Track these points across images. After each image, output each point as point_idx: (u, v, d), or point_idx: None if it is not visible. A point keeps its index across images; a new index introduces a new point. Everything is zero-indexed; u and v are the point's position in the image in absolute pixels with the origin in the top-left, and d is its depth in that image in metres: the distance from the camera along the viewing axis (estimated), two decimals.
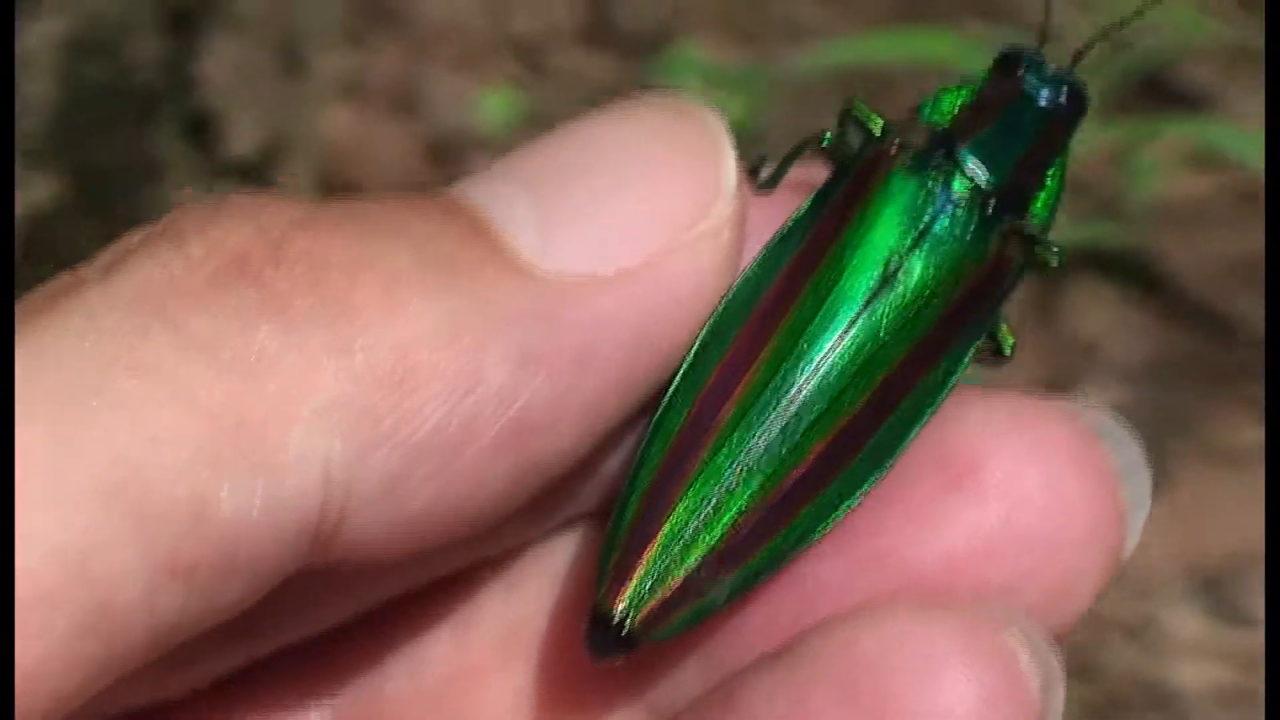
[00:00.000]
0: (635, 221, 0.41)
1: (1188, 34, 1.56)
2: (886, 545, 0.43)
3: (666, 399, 0.43)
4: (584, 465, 0.42)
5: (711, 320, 0.42)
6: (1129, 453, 0.44)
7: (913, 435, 0.43)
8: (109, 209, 1.55)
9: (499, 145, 1.63)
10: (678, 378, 0.43)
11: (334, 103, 1.66)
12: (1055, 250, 0.45)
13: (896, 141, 0.45)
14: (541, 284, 0.40)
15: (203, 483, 0.36)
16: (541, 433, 0.39)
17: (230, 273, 0.37)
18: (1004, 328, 0.45)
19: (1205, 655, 1.31)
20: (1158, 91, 1.57)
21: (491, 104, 1.64)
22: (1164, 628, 1.32)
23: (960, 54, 1.56)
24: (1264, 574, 1.34)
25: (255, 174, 1.59)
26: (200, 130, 1.63)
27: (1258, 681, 1.30)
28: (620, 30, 1.71)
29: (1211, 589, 1.35)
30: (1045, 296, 1.53)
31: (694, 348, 0.42)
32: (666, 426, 0.43)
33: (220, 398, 0.36)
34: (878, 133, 0.45)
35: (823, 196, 0.45)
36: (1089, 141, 1.44)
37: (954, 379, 0.44)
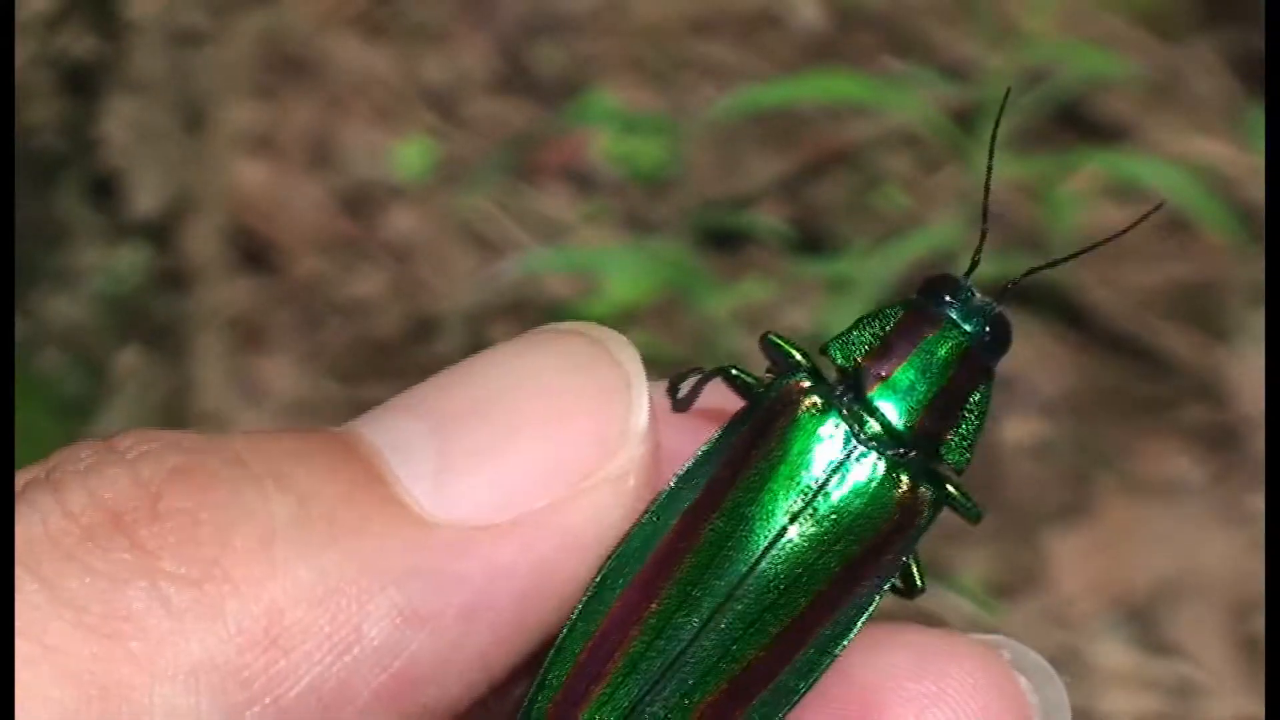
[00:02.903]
0: (537, 467, 0.40)
1: (1104, 67, 1.56)
2: None
3: (558, 642, 0.41)
4: (480, 702, 0.41)
5: (610, 560, 0.41)
6: (1051, 691, 0.43)
7: (812, 682, 0.42)
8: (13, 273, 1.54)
9: (415, 195, 1.62)
10: (572, 618, 0.41)
11: (244, 157, 1.64)
12: (971, 509, 0.44)
13: (805, 382, 0.44)
14: (433, 535, 0.39)
15: None
16: (426, 686, 0.39)
17: (104, 530, 0.38)
18: (914, 568, 0.44)
19: (1131, 685, 1.32)
20: (1075, 124, 1.57)
21: (406, 154, 1.64)
22: (1090, 658, 1.33)
23: (876, 94, 1.56)
24: (1194, 603, 1.34)
25: (161, 233, 1.58)
26: (103, 191, 1.61)
27: (1183, 709, 1.31)
28: (534, 77, 1.70)
29: (1136, 619, 1.35)
30: None
31: (590, 589, 0.41)
32: (555, 672, 0.41)
33: (87, 659, 0.36)
34: (794, 364, 0.44)
35: (730, 432, 0.43)
36: (1007, 174, 1.45)
37: (860, 622, 0.43)
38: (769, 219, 1.55)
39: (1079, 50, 1.57)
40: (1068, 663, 1.32)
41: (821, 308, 1.42)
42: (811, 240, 1.53)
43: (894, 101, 1.54)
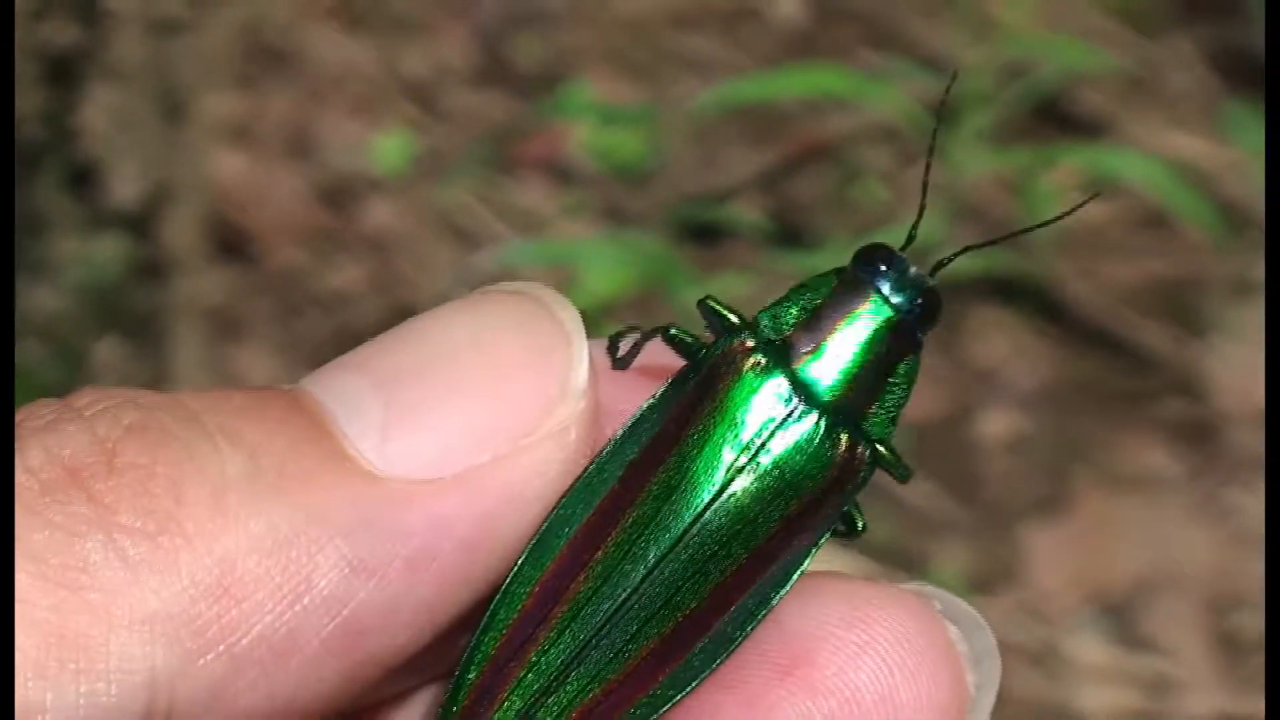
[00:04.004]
0: (479, 423, 0.41)
1: (1083, 61, 1.57)
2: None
3: (503, 588, 0.42)
4: (428, 649, 0.42)
5: (555, 510, 0.42)
6: (980, 638, 0.44)
7: (748, 631, 0.43)
8: None
9: (394, 187, 1.62)
10: (518, 565, 0.42)
11: (223, 148, 1.64)
12: (901, 469, 0.45)
13: (746, 343, 0.44)
14: (380, 488, 0.40)
15: (28, 691, 0.37)
16: (373, 635, 0.40)
17: (62, 484, 0.39)
18: (855, 512, 0.45)
19: (1108, 680, 1.32)
20: (1053, 119, 1.58)
21: (385, 146, 1.63)
22: (1066, 653, 1.33)
23: (855, 87, 1.56)
24: (1170, 598, 1.34)
25: (139, 223, 1.58)
26: (83, 181, 1.61)
27: (1160, 704, 1.31)
28: (513, 70, 1.70)
29: (1113, 614, 1.35)
30: (944, 325, 1.53)
31: (535, 538, 0.42)
32: (501, 616, 0.43)
33: (46, 609, 0.38)
34: (732, 327, 0.45)
35: (672, 391, 0.44)
36: (986, 168, 1.45)
37: (797, 574, 0.44)
38: (748, 212, 1.56)
39: (1058, 44, 1.57)
40: (1045, 657, 1.33)
41: None
42: (790, 233, 1.54)
43: (873, 95, 1.54)
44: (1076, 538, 1.37)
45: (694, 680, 0.43)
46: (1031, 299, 1.47)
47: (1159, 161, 1.49)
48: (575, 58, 1.70)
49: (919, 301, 0.45)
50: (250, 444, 0.40)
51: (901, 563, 1.29)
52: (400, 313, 1.54)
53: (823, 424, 0.44)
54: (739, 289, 1.45)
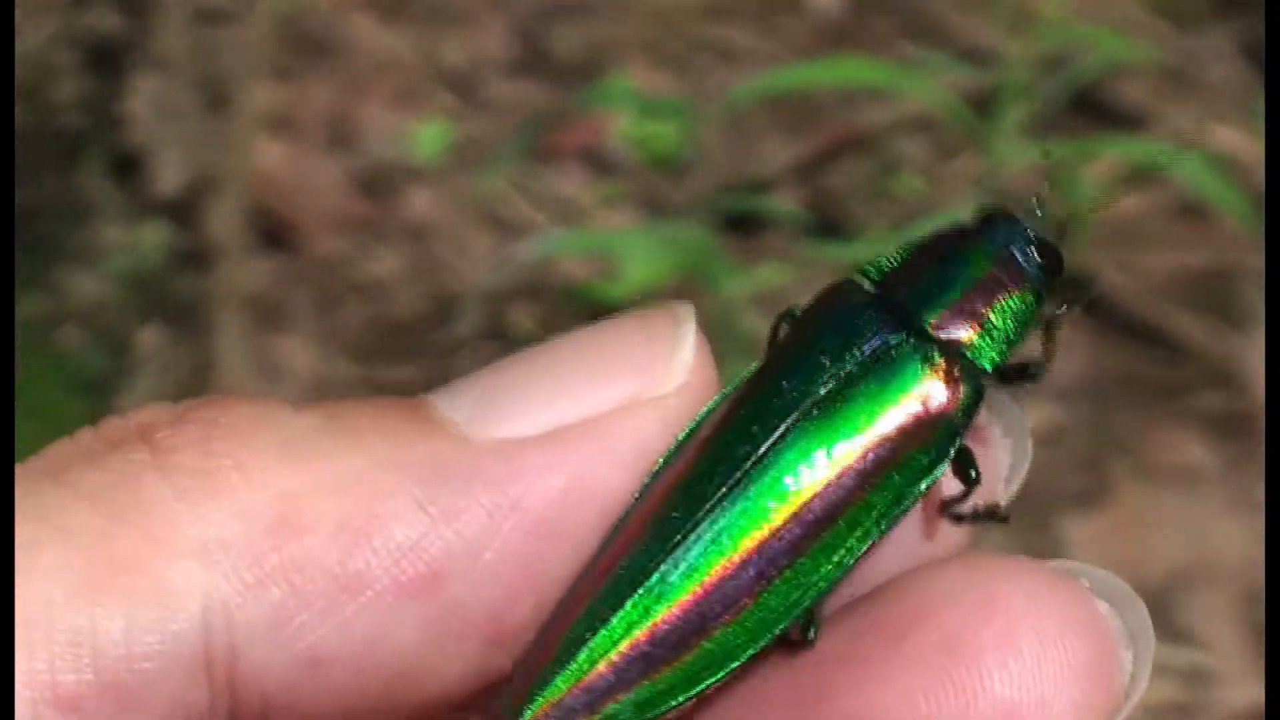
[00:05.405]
0: (573, 388, 0.41)
1: (1121, 53, 1.56)
2: (855, 703, 0.41)
3: (609, 534, 0.42)
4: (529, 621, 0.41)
5: (657, 468, 0.42)
6: (1133, 615, 0.43)
7: (863, 551, 0.42)
8: (37, 250, 1.54)
9: (433, 176, 1.62)
10: (622, 517, 0.42)
11: (264, 138, 1.65)
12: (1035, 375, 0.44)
13: (842, 282, 0.45)
14: (463, 443, 0.40)
15: (81, 613, 0.37)
16: (454, 581, 0.40)
17: (131, 439, 0.39)
18: (964, 457, 0.43)
19: None
20: (1092, 111, 1.57)
21: (425, 136, 1.64)
22: None
23: (892, 78, 1.56)
24: (1207, 590, 1.34)
25: (182, 212, 1.58)
26: (126, 169, 1.61)
27: (1197, 696, 1.31)
28: (552, 60, 1.71)
29: (1150, 606, 1.35)
30: None
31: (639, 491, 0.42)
32: (599, 559, 0.42)
33: (100, 537, 0.38)
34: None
35: (777, 344, 0.45)
36: (1025, 161, 1.45)
37: (902, 508, 0.42)
38: (786, 203, 1.56)
39: (1096, 36, 1.57)
40: None
41: None
42: (828, 224, 1.54)
43: (911, 86, 1.54)
44: (1114, 530, 1.37)
45: (785, 613, 0.42)
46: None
47: (1197, 153, 1.49)
48: (613, 48, 1.70)
49: (1033, 247, 0.45)
50: (330, 409, 0.40)
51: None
52: (439, 302, 1.55)
53: (913, 344, 0.43)
54: (777, 279, 1.45)
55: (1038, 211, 0.46)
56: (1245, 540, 1.36)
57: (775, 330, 0.46)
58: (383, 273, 1.57)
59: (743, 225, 1.55)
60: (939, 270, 0.44)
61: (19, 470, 0.39)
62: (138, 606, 0.37)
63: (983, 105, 1.47)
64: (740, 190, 1.57)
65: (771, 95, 1.59)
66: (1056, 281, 0.45)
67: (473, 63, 1.71)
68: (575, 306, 1.52)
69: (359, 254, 1.58)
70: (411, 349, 1.51)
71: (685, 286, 1.48)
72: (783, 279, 1.46)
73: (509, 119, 1.65)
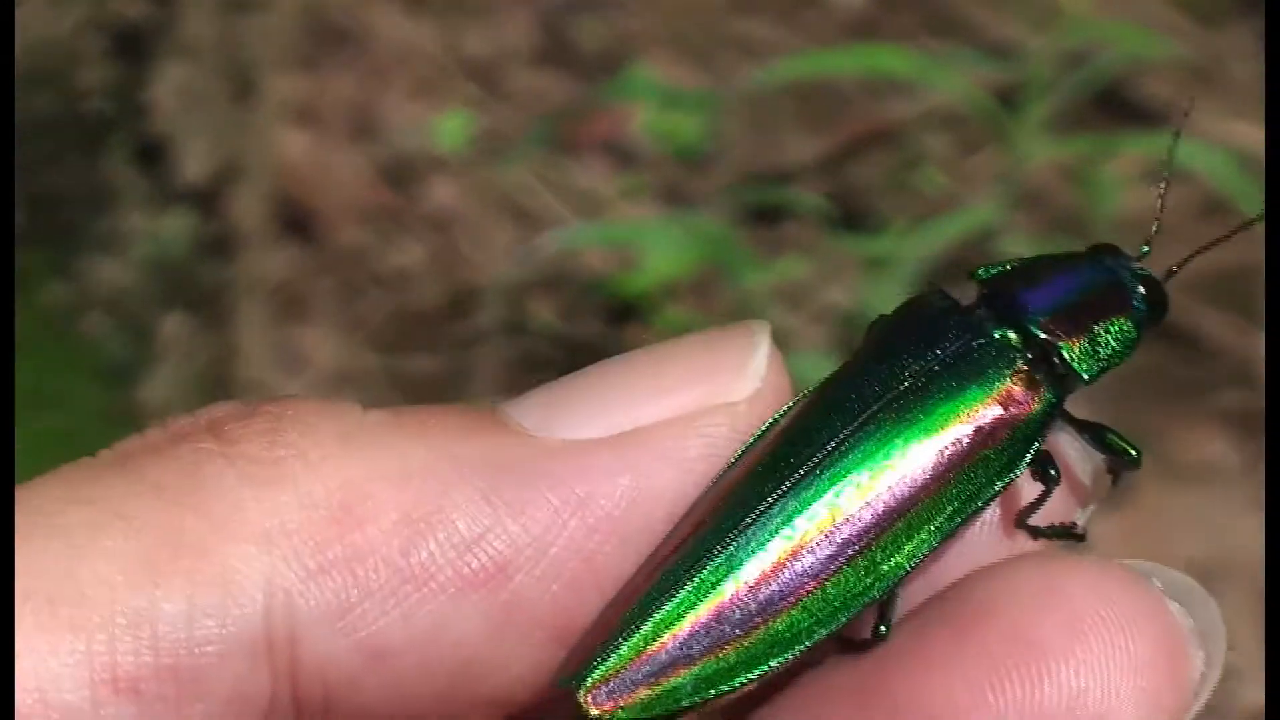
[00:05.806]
0: (643, 395, 0.42)
1: (1144, 49, 1.56)
2: (920, 694, 0.41)
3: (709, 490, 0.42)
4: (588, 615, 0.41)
5: (730, 466, 0.42)
6: (1205, 613, 0.42)
7: (953, 530, 0.42)
8: (61, 237, 1.55)
9: (455, 167, 1.62)
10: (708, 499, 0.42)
11: (288, 127, 1.65)
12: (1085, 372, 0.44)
13: (926, 291, 0.45)
14: (530, 440, 0.41)
15: (142, 594, 0.37)
16: (520, 574, 0.40)
17: (197, 432, 0.40)
18: (1048, 460, 0.44)
19: None
20: (1116, 107, 1.57)
21: (447, 127, 1.64)
22: None
23: (915, 69, 1.56)
24: (1227, 588, 1.34)
25: (207, 200, 1.59)
26: (151, 157, 1.62)
27: (1216, 694, 1.31)
28: (575, 51, 1.71)
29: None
30: None
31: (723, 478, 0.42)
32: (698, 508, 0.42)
33: (161, 521, 0.38)
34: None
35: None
36: (1048, 157, 1.45)
37: (982, 502, 0.43)
38: (808, 196, 1.56)
39: (1119, 32, 1.57)
40: None
41: (860, 285, 1.42)
42: (851, 218, 1.54)
43: (935, 79, 1.54)
44: (1135, 527, 1.37)
45: (857, 599, 0.42)
46: None
47: (1220, 150, 1.49)
48: (636, 40, 1.70)
49: (1139, 283, 0.46)
50: (400, 409, 0.41)
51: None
52: (460, 293, 1.55)
53: (1002, 354, 0.44)
54: (799, 272, 1.45)
55: (1145, 250, 0.48)
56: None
57: (868, 334, 0.46)
58: (404, 263, 1.57)
59: (765, 218, 1.55)
60: (1052, 278, 0.45)
61: (85, 463, 0.39)
62: (199, 589, 0.38)
63: (1006, 101, 1.46)
64: (762, 183, 1.57)
65: (794, 85, 1.59)
66: (1157, 318, 0.46)
67: (495, 53, 1.71)
68: (596, 298, 1.52)
69: (381, 244, 1.58)
70: (432, 340, 1.51)
71: (707, 278, 1.49)
72: (804, 271, 1.46)
73: (531, 110, 1.65)
